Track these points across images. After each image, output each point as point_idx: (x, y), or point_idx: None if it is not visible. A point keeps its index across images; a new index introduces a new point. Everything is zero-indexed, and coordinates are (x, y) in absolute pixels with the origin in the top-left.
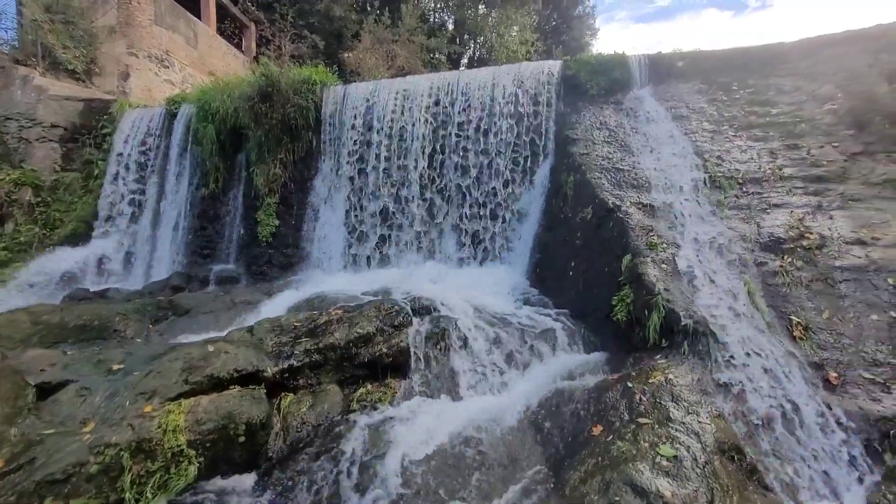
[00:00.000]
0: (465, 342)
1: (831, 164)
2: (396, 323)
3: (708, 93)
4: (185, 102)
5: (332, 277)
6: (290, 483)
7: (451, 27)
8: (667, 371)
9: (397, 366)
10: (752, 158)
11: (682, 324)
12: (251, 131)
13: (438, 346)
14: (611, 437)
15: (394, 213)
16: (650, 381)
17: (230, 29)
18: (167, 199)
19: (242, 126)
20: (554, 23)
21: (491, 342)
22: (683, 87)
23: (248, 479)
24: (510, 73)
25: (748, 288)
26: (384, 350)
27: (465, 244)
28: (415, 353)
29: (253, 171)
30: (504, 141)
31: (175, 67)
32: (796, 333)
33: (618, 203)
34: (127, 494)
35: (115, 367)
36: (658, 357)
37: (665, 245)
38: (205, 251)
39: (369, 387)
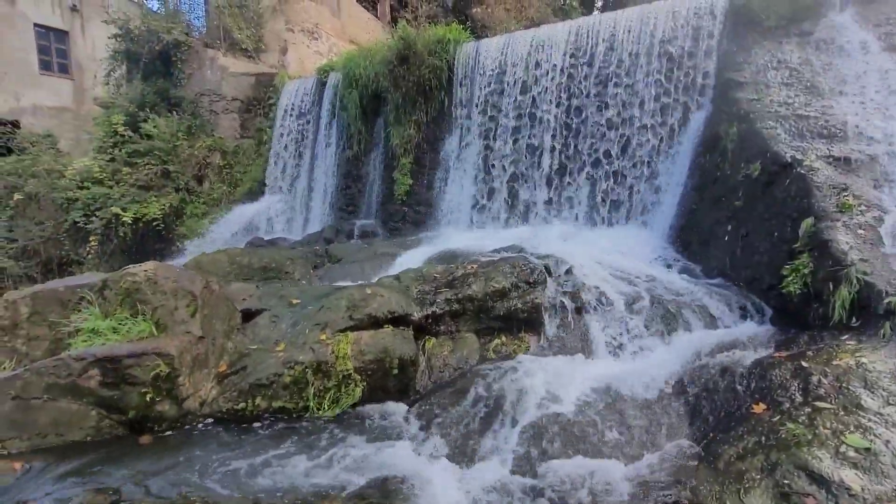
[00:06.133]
0: (600, 303)
1: None
2: (531, 280)
3: None
4: (332, 71)
5: (460, 234)
6: (434, 415)
7: None
8: (858, 354)
9: (531, 321)
10: None
11: (885, 301)
12: (390, 94)
13: (573, 306)
14: (778, 417)
15: (524, 170)
16: (833, 363)
17: None
18: (319, 162)
19: (382, 90)
20: None
21: (629, 305)
22: None
23: (401, 407)
24: (663, 10)
25: None
26: (518, 305)
27: (598, 203)
28: (549, 310)
29: (390, 133)
30: (650, 90)
31: (322, 38)
32: None
33: (798, 157)
34: (311, 403)
35: (294, 301)
36: (845, 337)
37: (864, 207)
38: (349, 208)
39: (504, 338)
